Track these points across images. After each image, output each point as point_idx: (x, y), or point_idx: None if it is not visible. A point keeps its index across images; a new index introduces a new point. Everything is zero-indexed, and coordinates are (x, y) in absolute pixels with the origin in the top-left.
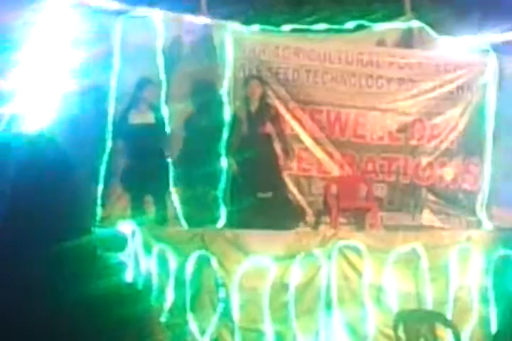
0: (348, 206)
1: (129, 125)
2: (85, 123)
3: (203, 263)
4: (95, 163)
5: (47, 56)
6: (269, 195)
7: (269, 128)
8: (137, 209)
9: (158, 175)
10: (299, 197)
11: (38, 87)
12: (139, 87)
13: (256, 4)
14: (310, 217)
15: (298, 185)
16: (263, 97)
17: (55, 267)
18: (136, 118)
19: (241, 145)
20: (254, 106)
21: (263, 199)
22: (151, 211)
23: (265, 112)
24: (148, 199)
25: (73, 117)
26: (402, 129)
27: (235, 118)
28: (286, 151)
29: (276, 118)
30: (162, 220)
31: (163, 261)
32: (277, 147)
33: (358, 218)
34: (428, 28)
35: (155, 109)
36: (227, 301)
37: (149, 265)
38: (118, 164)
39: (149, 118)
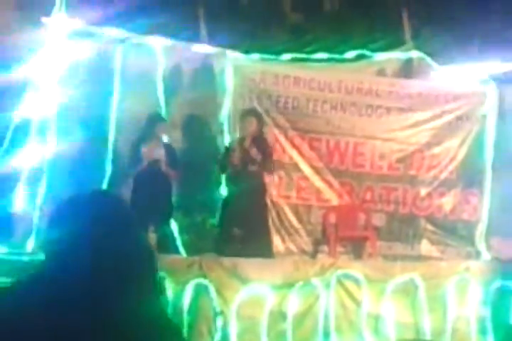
0: (347, 235)
1: (139, 159)
2: (85, 149)
3: (200, 291)
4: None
5: (48, 82)
6: (242, 232)
7: (259, 166)
8: None
9: (162, 206)
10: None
11: (38, 112)
12: (151, 122)
13: (256, 33)
14: (308, 246)
15: (297, 213)
16: (258, 134)
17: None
18: (147, 154)
19: (230, 179)
20: (247, 141)
21: (236, 235)
22: (152, 239)
23: (260, 150)
24: (151, 228)
25: (73, 143)
26: (401, 159)
27: (228, 150)
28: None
29: (270, 156)
30: (163, 248)
31: None
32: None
33: (357, 247)
34: (428, 58)
35: (166, 144)
36: (225, 329)
37: None
38: (125, 193)
39: (159, 154)
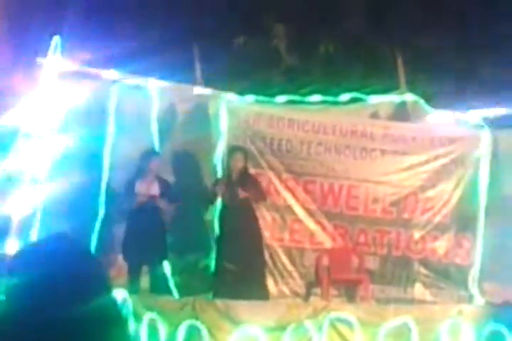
0: (340, 278)
1: (134, 196)
2: (79, 190)
3: (193, 332)
4: (89, 232)
5: (42, 123)
6: (236, 267)
7: (246, 194)
8: (133, 279)
9: (156, 246)
10: (285, 268)
11: (33, 153)
12: (145, 158)
13: (251, 75)
14: (301, 289)
15: (290, 256)
16: (245, 169)
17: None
18: (142, 190)
19: (220, 215)
20: (235, 177)
21: (230, 271)
22: (146, 280)
23: (245, 182)
24: (145, 269)
25: (67, 184)
26: (395, 202)
27: (217, 183)
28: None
29: (256, 186)
30: (156, 289)
31: (153, 330)
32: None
33: (350, 290)
34: (422, 102)
35: (161, 180)
36: None
37: (140, 334)
38: (118, 233)
39: (155, 189)
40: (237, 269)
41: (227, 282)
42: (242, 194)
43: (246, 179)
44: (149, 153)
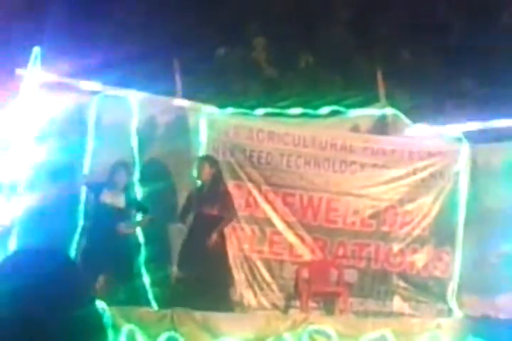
0: (319, 290)
1: (99, 204)
2: (58, 201)
3: None
4: (67, 245)
5: (22, 134)
6: (194, 278)
7: (217, 210)
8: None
9: (121, 256)
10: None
11: (11, 164)
12: (114, 170)
13: (231, 87)
14: (280, 301)
15: (269, 268)
16: (215, 178)
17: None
18: (107, 199)
19: (189, 227)
20: (205, 187)
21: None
22: (108, 290)
23: (215, 193)
24: (107, 278)
25: (46, 196)
26: (374, 215)
27: (188, 199)
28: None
29: (225, 198)
30: (133, 301)
31: None
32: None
33: (328, 303)
34: (402, 116)
35: (127, 192)
36: None
37: None
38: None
39: (120, 201)
40: (196, 280)
41: (186, 293)
42: (208, 211)
43: (216, 194)
44: (118, 165)
